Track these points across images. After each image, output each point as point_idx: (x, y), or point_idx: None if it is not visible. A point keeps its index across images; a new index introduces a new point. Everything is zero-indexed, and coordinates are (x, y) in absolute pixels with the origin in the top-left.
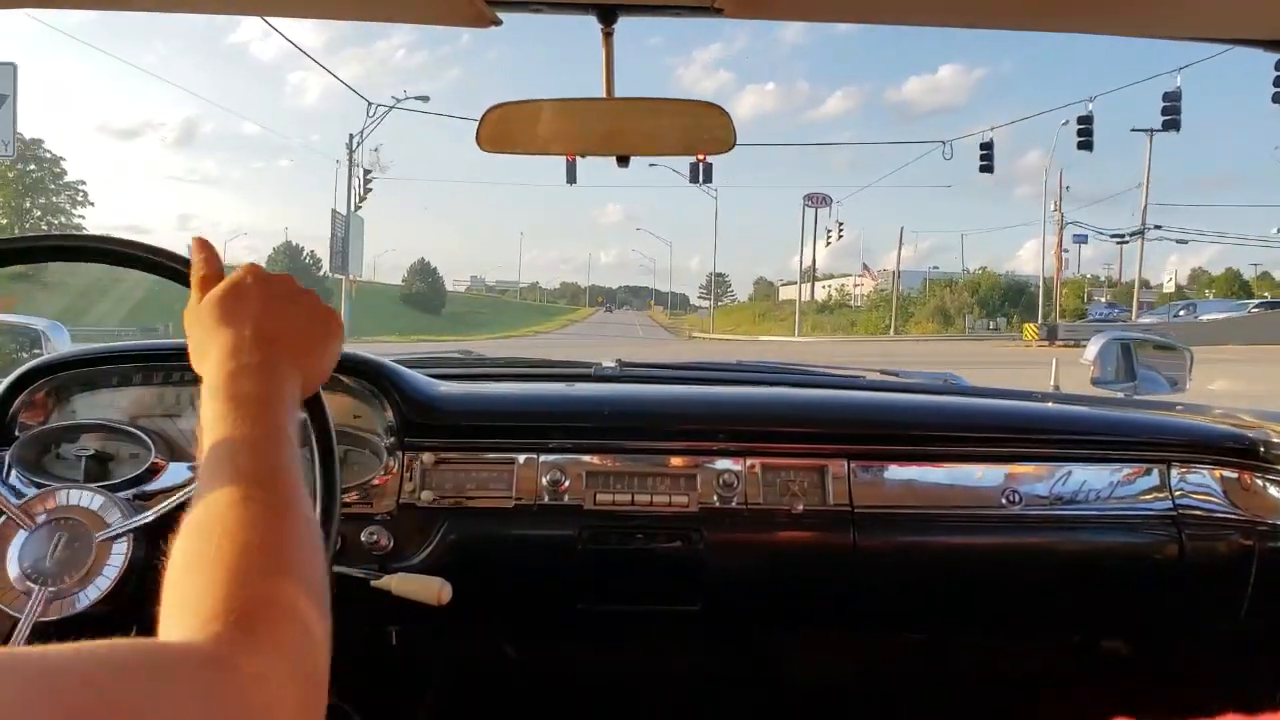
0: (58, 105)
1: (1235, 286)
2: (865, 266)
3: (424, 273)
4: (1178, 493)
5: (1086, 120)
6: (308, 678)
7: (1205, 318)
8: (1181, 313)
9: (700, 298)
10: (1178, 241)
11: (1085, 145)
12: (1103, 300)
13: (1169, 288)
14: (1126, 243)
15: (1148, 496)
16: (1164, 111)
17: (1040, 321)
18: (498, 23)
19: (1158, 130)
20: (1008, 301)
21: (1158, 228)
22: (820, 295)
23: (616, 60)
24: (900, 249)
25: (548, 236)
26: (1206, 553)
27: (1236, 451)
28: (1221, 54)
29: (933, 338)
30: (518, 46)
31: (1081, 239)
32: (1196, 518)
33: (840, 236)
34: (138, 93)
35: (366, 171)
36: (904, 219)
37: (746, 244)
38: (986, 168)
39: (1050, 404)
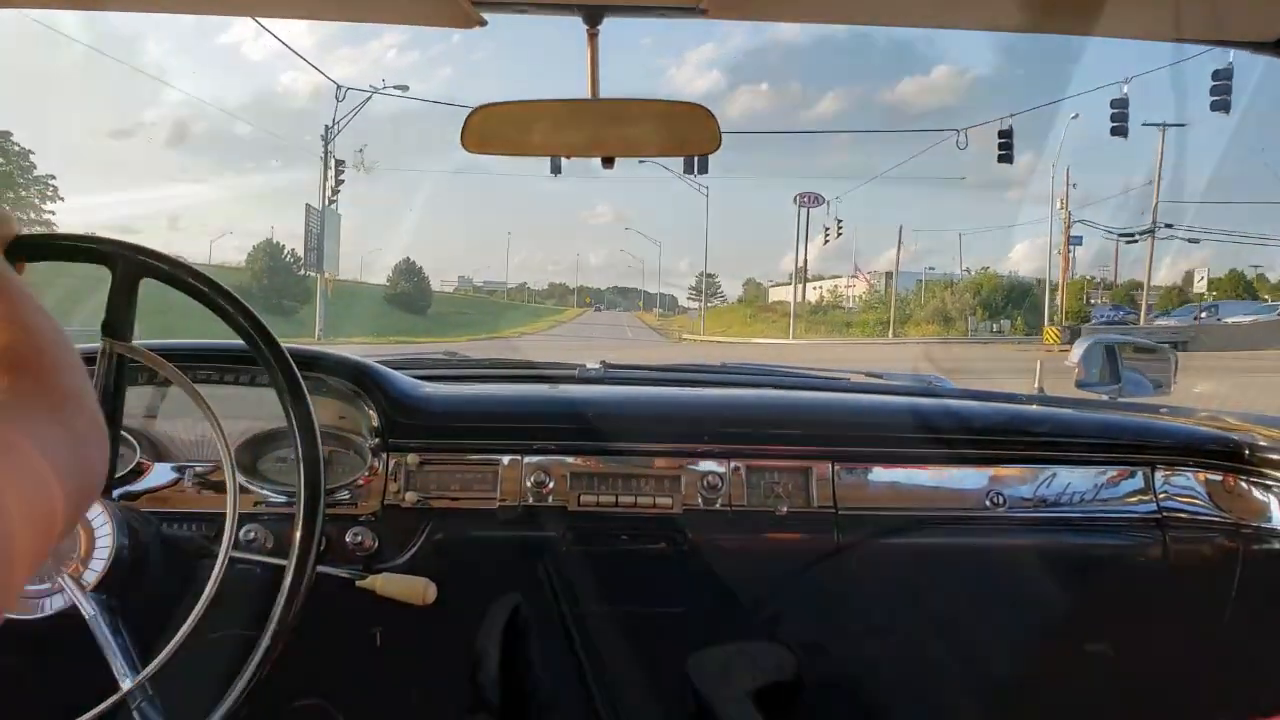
0: (48, 102)
1: (1240, 288)
2: (857, 267)
3: (409, 272)
4: (1162, 495)
5: (1121, 104)
6: None
7: (1230, 320)
8: (1203, 315)
9: (689, 298)
10: (1189, 240)
11: (1120, 131)
12: (1103, 302)
13: (1200, 287)
14: (1136, 241)
15: (1132, 499)
16: (1213, 91)
17: (1048, 323)
18: (482, 23)
19: (1168, 125)
20: (1010, 303)
21: (1169, 226)
22: (812, 297)
23: (609, 60)
24: (900, 248)
25: (536, 237)
26: (1191, 555)
27: (1221, 454)
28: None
29: (935, 340)
30: (511, 47)
31: (1076, 240)
32: (1181, 520)
33: (840, 234)
34: (130, 92)
35: (339, 162)
36: (893, 220)
37: (735, 245)
38: (1005, 157)
39: (1035, 406)
